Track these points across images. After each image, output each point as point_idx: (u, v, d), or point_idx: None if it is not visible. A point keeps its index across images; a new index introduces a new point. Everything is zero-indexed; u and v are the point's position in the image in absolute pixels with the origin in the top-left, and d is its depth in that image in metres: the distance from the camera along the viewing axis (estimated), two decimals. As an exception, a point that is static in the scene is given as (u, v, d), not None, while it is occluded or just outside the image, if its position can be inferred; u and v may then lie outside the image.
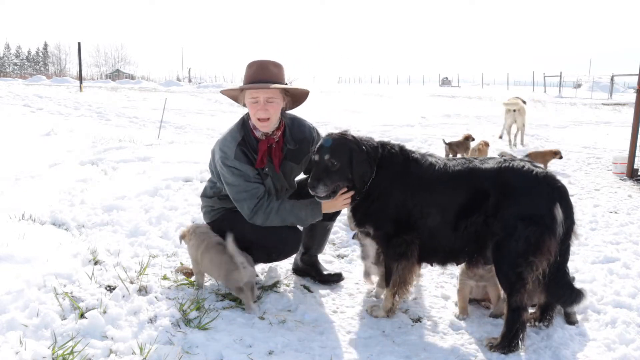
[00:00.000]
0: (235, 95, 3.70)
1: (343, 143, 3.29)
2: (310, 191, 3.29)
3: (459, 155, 9.28)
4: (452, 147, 9.54)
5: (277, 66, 3.57)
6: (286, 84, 3.64)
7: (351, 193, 3.38)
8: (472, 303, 3.68)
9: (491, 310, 3.58)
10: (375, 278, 3.83)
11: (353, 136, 3.37)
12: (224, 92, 3.77)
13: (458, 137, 10.15)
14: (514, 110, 11.64)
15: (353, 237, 3.78)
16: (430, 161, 3.33)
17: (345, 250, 4.77)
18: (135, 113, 15.89)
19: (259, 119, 3.51)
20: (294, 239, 3.67)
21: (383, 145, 3.42)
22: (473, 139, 9.70)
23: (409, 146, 3.54)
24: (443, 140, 9.66)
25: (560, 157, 9.00)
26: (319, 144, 3.36)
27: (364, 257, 3.79)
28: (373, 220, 3.40)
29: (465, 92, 38.59)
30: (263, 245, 3.62)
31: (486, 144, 9.38)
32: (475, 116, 19.00)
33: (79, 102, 18.02)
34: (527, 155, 8.89)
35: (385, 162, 3.34)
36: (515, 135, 11.86)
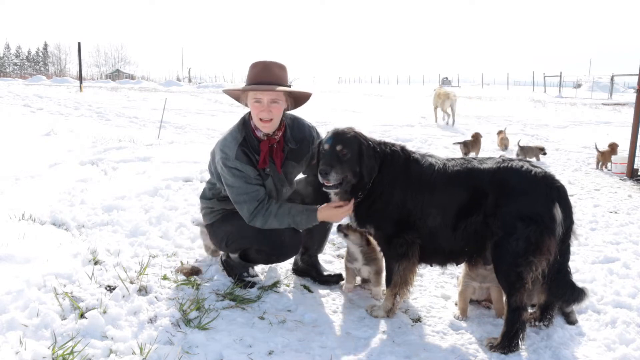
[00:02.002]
0: (237, 95, 3.70)
1: (354, 136, 3.34)
2: (320, 178, 3.28)
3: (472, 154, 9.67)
4: (467, 145, 10.08)
5: (282, 68, 3.57)
6: (289, 85, 3.64)
7: (351, 204, 3.41)
8: (472, 303, 3.67)
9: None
10: (359, 279, 3.88)
11: (361, 132, 3.41)
12: (226, 92, 3.77)
13: (466, 137, 10.79)
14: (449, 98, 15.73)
15: (338, 231, 3.77)
16: (430, 161, 3.34)
17: (345, 251, 4.76)
18: (135, 113, 15.88)
19: (261, 120, 3.50)
20: (293, 241, 3.66)
21: (385, 144, 3.45)
22: (481, 136, 10.58)
23: (409, 146, 3.55)
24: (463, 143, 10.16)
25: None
26: (329, 134, 3.38)
27: (350, 260, 3.80)
28: (374, 220, 3.40)
29: (465, 92, 38.55)
30: (262, 247, 3.63)
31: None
32: (475, 116, 19.00)
33: (79, 102, 18.01)
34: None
35: (387, 161, 3.36)
36: (448, 116, 16.02)
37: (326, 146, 3.33)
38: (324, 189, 3.38)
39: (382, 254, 3.65)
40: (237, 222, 3.62)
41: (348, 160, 3.28)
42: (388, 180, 3.33)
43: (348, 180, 3.33)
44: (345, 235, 3.71)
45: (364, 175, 3.30)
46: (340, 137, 3.32)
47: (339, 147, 3.29)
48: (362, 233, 3.66)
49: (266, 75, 3.49)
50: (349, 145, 3.29)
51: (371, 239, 3.71)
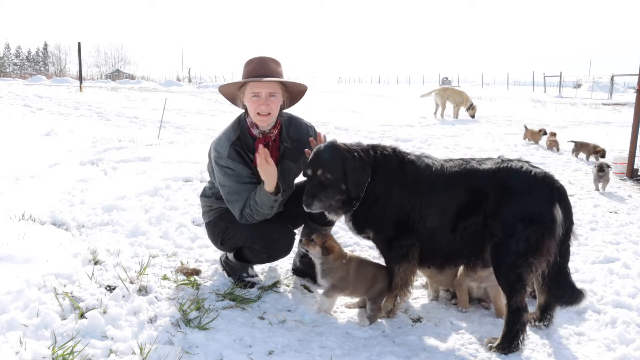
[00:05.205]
0: (233, 93, 3.68)
1: (335, 153, 3.22)
2: (305, 208, 3.25)
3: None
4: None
5: (276, 63, 3.58)
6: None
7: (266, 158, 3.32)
8: (471, 302, 3.68)
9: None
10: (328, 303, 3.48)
11: (344, 144, 3.31)
12: (222, 90, 3.72)
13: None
14: (436, 93, 18.38)
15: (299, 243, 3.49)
16: (427, 162, 3.31)
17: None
18: (135, 113, 15.87)
19: (259, 114, 3.50)
20: (285, 240, 3.66)
21: (374, 148, 3.37)
22: (545, 133, 11.68)
23: (408, 146, 3.54)
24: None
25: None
26: (310, 156, 3.30)
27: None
28: (372, 224, 3.38)
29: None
30: (254, 245, 3.64)
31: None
32: (475, 116, 18.96)
33: (79, 102, 18.00)
34: None
35: (379, 166, 3.30)
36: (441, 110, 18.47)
37: (308, 172, 3.25)
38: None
39: (341, 269, 3.39)
40: (232, 221, 3.63)
41: (331, 183, 3.19)
42: (382, 184, 3.28)
43: (337, 200, 3.26)
44: (306, 250, 3.50)
45: (352, 190, 3.22)
46: (320, 159, 3.20)
47: (319, 172, 3.19)
48: (328, 247, 3.38)
49: (262, 70, 3.49)
50: (330, 166, 3.17)
51: (335, 251, 3.40)
